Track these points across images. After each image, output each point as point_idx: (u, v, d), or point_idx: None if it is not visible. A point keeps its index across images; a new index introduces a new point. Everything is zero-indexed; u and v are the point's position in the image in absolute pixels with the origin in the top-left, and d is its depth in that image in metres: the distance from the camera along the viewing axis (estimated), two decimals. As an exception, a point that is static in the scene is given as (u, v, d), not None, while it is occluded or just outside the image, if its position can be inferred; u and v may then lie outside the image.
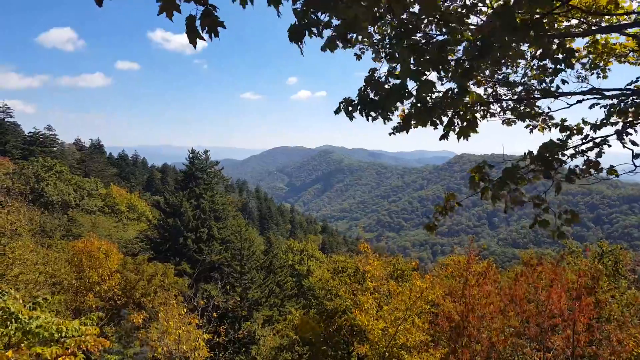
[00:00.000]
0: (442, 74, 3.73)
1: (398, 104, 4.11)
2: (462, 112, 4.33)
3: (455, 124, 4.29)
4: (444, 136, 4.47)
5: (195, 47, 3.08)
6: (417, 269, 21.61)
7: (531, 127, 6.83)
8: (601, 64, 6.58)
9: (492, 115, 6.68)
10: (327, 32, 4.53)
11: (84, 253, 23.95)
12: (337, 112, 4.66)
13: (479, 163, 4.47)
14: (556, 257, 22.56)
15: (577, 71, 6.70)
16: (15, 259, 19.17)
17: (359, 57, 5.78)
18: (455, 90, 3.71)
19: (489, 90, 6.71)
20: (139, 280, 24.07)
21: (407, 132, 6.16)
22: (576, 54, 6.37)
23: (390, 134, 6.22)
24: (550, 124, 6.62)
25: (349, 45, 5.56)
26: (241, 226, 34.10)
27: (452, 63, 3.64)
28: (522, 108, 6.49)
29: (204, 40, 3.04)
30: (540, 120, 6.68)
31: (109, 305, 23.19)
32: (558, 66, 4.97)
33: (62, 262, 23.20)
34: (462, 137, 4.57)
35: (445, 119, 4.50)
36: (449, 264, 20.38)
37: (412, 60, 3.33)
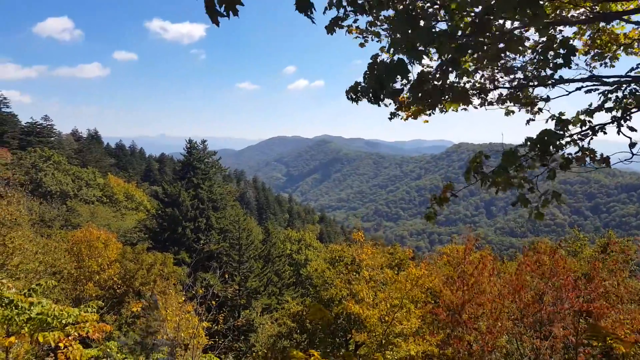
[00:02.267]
0: (436, 49, 3.75)
1: (397, 85, 4.12)
2: (454, 85, 4.37)
3: (446, 96, 4.33)
4: (432, 105, 4.51)
5: (218, 25, 2.94)
6: (413, 258, 21.78)
7: (529, 116, 6.83)
8: (609, 54, 6.59)
9: (491, 103, 6.70)
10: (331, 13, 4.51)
11: (83, 242, 24.06)
12: (347, 94, 4.70)
13: (476, 154, 4.52)
14: (564, 246, 22.64)
15: (585, 61, 6.69)
16: (15, 249, 19.25)
17: (362, 45, 5.76)
18: (448, 63, 3.74)
19: (487, 76, 6.72)
20: (138, 270, 24.21)
21: (405, 115, 6.18)
22: (576, 52, 6.39)
23: (389, 118, 6.23)
24: (547, 112, 6.63)
25: (352, 30, 5.55)
26: (239, 216, 34.24)
27: (447, 38, 3.66)
28: (521, 96, 6.50)
29: (226, 17, 2.91)
30: (536, 109, 6.70)
31: (108, 294, 23.34)
32: (558, 61, 5.00)
33: (62, 252, 23.30)
34: (450, 108, 4.60)
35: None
36: (447, 252, 20.51)
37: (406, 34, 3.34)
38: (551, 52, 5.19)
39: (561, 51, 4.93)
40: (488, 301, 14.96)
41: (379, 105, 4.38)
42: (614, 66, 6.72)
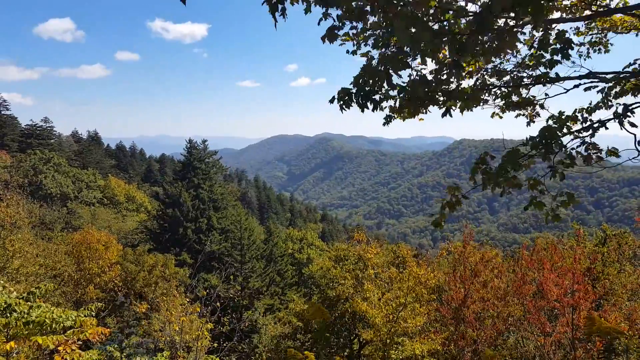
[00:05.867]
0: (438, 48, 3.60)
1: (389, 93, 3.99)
2: (460, 87, 4.24)
3: (456, 99, 4.20)
4: (446, 112, 4.37)
5: (185, 4, 2.79)
6: (417, 256, 21.64)
7: (521, 116, 6.77)
8: (604, 39, 6.48)
9: (486, 102, 6.66)
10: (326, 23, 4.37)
11: (83, 245, 23.94)
12: (331, 101, 4.54)
13: (481, 154, 4.40)
14: (561, 241, 22.48)
15: (577, 51, 6.58)
16: (15, 252, 19.16)
17: (354, 52, 5.57)
18: (453, 65, 3.59)
19: (479, 82, 6.66)
20: (140, 271, 24.09)
21: (401, 119, 6.03)
22: (573, 45, 6.30)
23: (383, 124, 6.09)
24: (538, 112, 6.56)
25: (347, 39, 5.37)
26: (241, 216, 34.09)
27: (449, 37, 3.51)
28: (512, 98, 6.40)
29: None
30: (529, 109, 6.63)
31: (109, 297, 23.22)
32: (555, 57, 4.86)
33: (62, 255, 23.18)
34: (465, 109, 4.46)
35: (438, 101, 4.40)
36: (452, 251, 20.46)
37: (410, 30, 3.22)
38: (546, 50, 5.06)
39: (557, 46, 4.81)
40: (493, 297, 14.89)
41: (362, 112, 4.29)
42: (608, 51, 6.62)
